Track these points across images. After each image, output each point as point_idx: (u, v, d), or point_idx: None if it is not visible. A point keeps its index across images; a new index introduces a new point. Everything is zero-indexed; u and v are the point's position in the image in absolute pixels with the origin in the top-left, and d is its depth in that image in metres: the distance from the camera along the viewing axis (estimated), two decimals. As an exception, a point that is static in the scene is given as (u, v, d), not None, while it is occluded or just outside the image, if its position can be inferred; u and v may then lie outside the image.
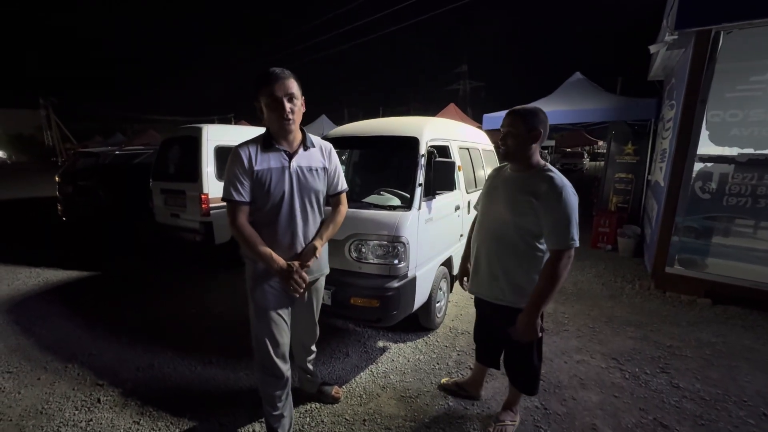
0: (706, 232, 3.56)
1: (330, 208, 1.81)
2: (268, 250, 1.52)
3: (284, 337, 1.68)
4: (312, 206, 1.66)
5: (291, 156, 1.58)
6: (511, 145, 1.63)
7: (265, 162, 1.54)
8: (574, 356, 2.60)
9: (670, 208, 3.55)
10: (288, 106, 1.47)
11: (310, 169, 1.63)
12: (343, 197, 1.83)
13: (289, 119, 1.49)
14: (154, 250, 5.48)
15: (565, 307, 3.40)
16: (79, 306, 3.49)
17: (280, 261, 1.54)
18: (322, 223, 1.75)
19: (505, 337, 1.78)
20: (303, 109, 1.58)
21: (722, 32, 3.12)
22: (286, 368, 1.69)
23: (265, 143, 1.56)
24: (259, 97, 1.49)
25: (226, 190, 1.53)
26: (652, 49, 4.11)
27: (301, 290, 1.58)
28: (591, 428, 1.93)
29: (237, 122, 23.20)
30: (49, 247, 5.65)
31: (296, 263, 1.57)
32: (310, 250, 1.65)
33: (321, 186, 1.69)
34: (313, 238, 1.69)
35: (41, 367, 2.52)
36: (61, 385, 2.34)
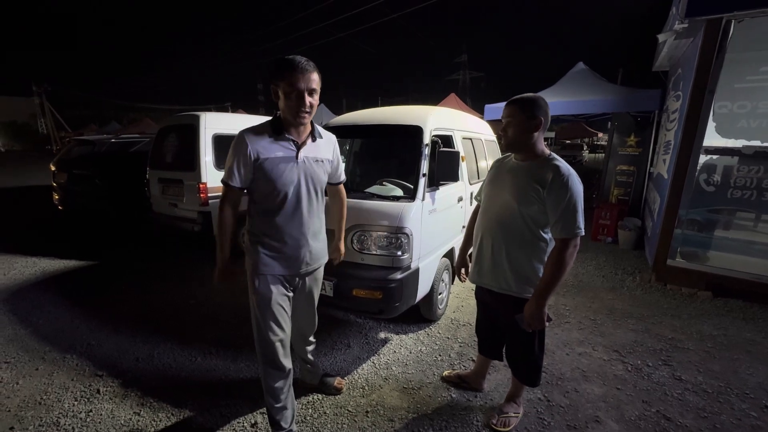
0: (708, 224, 3.55)
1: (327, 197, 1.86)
2: (226, 245, 1.59)
3: (286, 328, 1.67)
4: (317, 197, 1.67)
5: (299, 146, 1.56)
6: (512, 135, 1.62)
7: (273, 151, 1.51)
8: (576, 348, 2.60)
9: (673, 200, 3.52)
10: (308, 100, 1.46)
11: (317, 160, 1.63)
12: (342, 187, 1.92)
13: (308, 113, 1.48)
14: (152, 239, 5.43)
15: (566, 300, 3.39)
16: (77, 296, 3.45)
17: (224, 263, 1.61)
18: (326, 215, 1.78)
19: (507, 326, 1.76)
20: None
21: (733, 21, 3.05)
22: (288, 360, 1.69)
23: (275, 131, 1.53)
24: (280, 82, 1.44)
25: (225, 172, 1.54)
26: (661, 37, 4.03)
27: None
28: (594, 420, 1.93)
29: (234, 111, 22.95)
30: (45, 236, 5.59)
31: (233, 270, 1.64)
32: (338, 251, 1.98)
33: (325, 177, 1.70)
34: (334, 238, 1.93)
35: (39, 358, 2.49)
36: (59, 375, 2.31)
